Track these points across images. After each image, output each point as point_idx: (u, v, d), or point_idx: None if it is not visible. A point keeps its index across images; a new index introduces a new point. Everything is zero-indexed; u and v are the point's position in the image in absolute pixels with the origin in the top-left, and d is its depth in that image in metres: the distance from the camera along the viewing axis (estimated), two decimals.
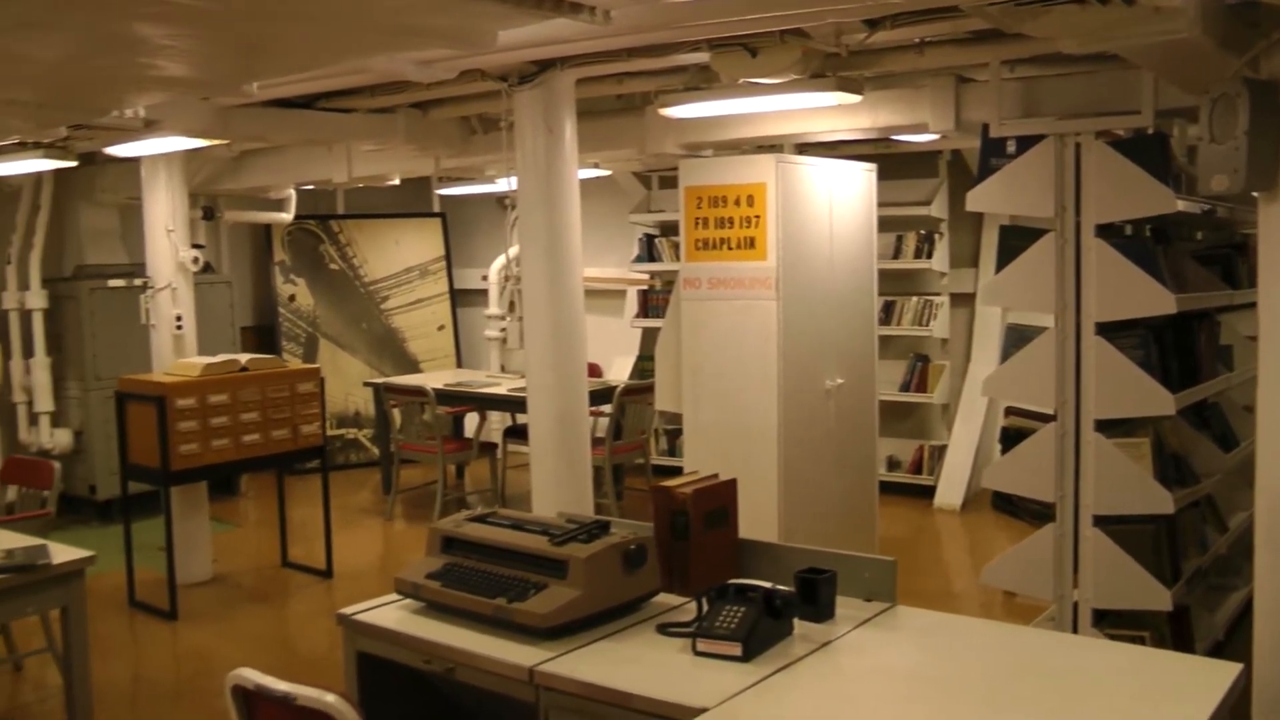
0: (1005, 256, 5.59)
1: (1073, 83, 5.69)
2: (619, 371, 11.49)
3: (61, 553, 5.12)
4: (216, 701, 6.26)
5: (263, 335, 12.35)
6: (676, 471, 4.53)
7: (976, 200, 5.62)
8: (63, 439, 10.38)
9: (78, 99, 3.79)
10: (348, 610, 3.75)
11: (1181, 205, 5.09)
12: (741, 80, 5.68)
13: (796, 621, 3.44)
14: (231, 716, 3.14)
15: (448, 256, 13.21)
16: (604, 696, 3.09)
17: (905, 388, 10.32)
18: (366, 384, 11.30)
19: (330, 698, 2.84)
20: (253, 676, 3.03)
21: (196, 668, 7.00)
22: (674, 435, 11.14)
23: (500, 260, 12.32)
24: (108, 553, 5.37)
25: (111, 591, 7.86)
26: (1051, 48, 5.04)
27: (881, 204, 8.11)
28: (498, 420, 11.56)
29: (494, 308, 12.53)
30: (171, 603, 7.65)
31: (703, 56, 5.67)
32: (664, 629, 3.45)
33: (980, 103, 6.42)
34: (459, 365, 12.95)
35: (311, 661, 6.79)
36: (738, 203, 7.21)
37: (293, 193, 10.92)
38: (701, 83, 6.28)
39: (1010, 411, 8.79)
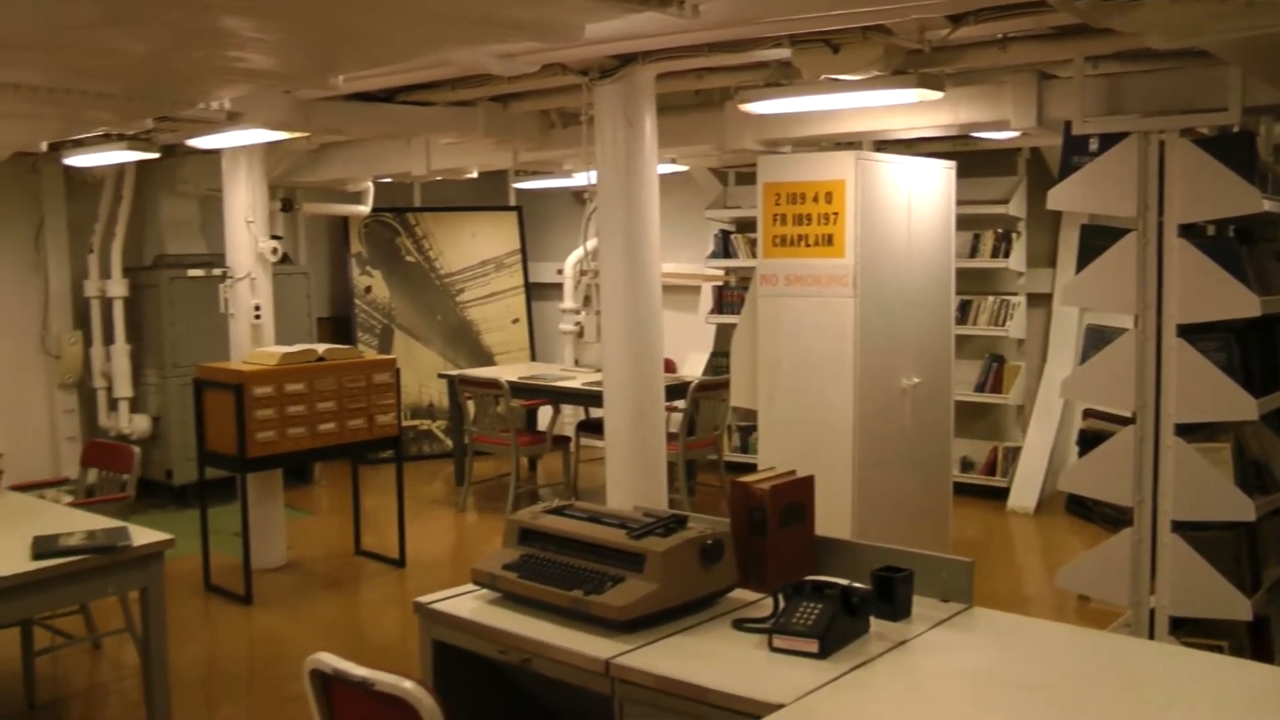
0: (1086, 256, 5.53)
1: (1158, 79, 5.62)
2: (693, 367, 11.47)
3: (141, 535, 5.19)
4: (289, 685, 6.35)
5: (338, 326, 12.45)
6: (749, 468, 4.52)
7: (1058, 199, 5.56)
8: (141, 424, 10.52)
9: (164, 92, 3.84)
10: (425, 599, 3.77)
11: (1268, 205, 5.01)
12: (823, 77, 5.66)
13: (873, 620, 3.43)
14: (309, 700, 3.16)
15: (523, 250, 13.25)
16: (680, 690, 3.09)
17: (980, 388, 10.24)
18: (441, 376, 11.35)
19: (408, 684, 2.86)
20: (331, 661, 3.05)
21: (270, 651, 7.08)
22: (747, 432, 11.12)
23: (575, 254, 12.35)
24: (183, 537, 5.44)
25: (187, 575, 7.96)
26: (1138, 43, 4.98)
27: (959, 202, 8.05)
28: (571, 414, 11.60)
29: (568, 301, 12.57)
30: (247, 587, 7.74)
31: (784, 52, 5.65)
32: (740, 624, 3.44)
33: (1063, 99, 6.35)
34: (533, 358, 12.99)
35: (383, 649, 6.84)
36: (816, 199, 7.19)
37: (370, 185, 11.00)
38: (782, 79, 6.26)
39: (1089, 414, 8.74)
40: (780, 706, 2.90)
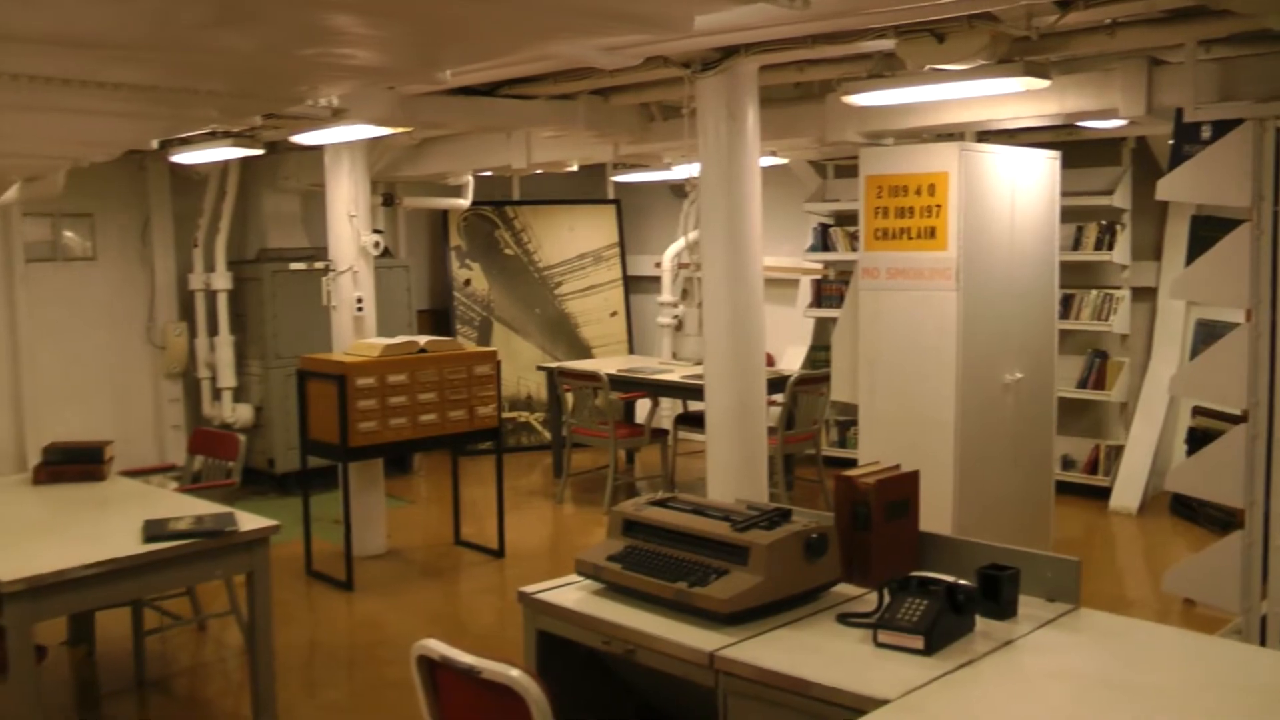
0: (1196, 248, 5.44)
1: (1274, 63, 5.49)
2: (791, 361, 11.43)
3: (247, 521, 5.27)
4: (389, 670, 6.42)
5: (438, 319, 12.55)
6: (846, 463, 4.49)
7: (1167, 189, 5.46)
8: (244, 414, 10.69)
9: (272, 90, 3.87)
10: (529, 589, 3.79)
11: None
12: (927, 67, 5.61)
13: (978, 618, 3.39)
14: (416, 685, 3.19)
15: (621, 243, 13.27)
16: (784, 684, 3.08)
17: (1082, 384, 10.10)
18: (540, 368, 11.40)
19: (515, 672, 2.87)
20: (439, 648, 3.08)
21: (370, 637, 7.15)
22: (845, 426, 11.06)
23: (674, 247, 12.35)
24: (286, 524, 5.52)
25: (290, 561, 8.07)
26: (1255, 25, 4.87)
27: (1062, 193, 7.94)
28: (669, 407, 11.60)
29: (666, 295, 12.57)
30: (348, 574, 7.83)
31: (888, 43, 5.61)
32: (844, 619, 3.43)
33: (1174, 85, 6.22)
34: (631, 351, 13.00)
35: (482, 638, 6.90)
36: (919, 192, 7.13)
37: (470, 179, 11.07)
38: (885, 70, 6.21)
39: (1197, 411, 8.59)
40: (885, 702, 2.88)
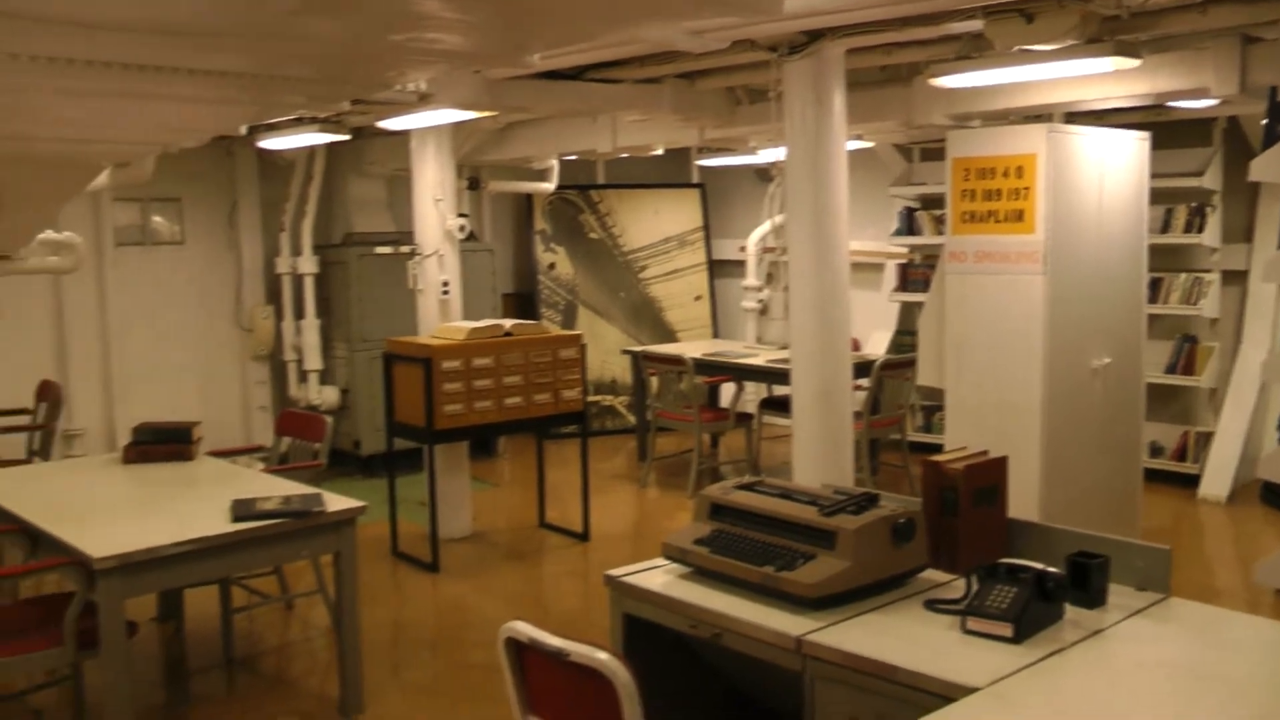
0: None
1: None
2: (876, 346, 11.36)
3: (334, 501, 5.33)
4: (473, 652, 6.47)
5: (523, 302, 12.60)
6: (931, 448, 4.46)
7: (1261, 169, 5.34)
8: (330, 396, 10.79)
9: (360, 75, 3.89)
10: (615, 572, 3.81)
11: None
12: (1016, 48, 5.54)
13: (1067, 606, 3.36)
14: (503, 667, 3.21)
15: (706, 227, 13.25)
16: (871, 669, 3.07)
17: (1171, 369, 9.95)
18: (624, 352, 11.42)
19: (602, 655, 2.88)
20: (526, 630, 3.10)
21: (455, 619, 7.21)
22: (930, 411, 10.99)
23: (759, 231, 12.31)
24: (371, 505, 5.58)
25: (375, 542, 8.14)
26: None
27: (1151, 175, 7.81)
28: (753, 391, 11.58)
29: (751, 279, 12.54)
30: (433, 555, 7.89)
31: (976, 24, 5.55)
32: (932, 605, 3.41)
33: (1268, 63, 6.10)
34: (715, 335, 12.99)
35: (566, 621, 6.92)
36: (1006, 174, 7.06)
37: (555, 163, 11.09)
38: (973, 51, 6.15)
39: None
40: (973, 690, 2.87)
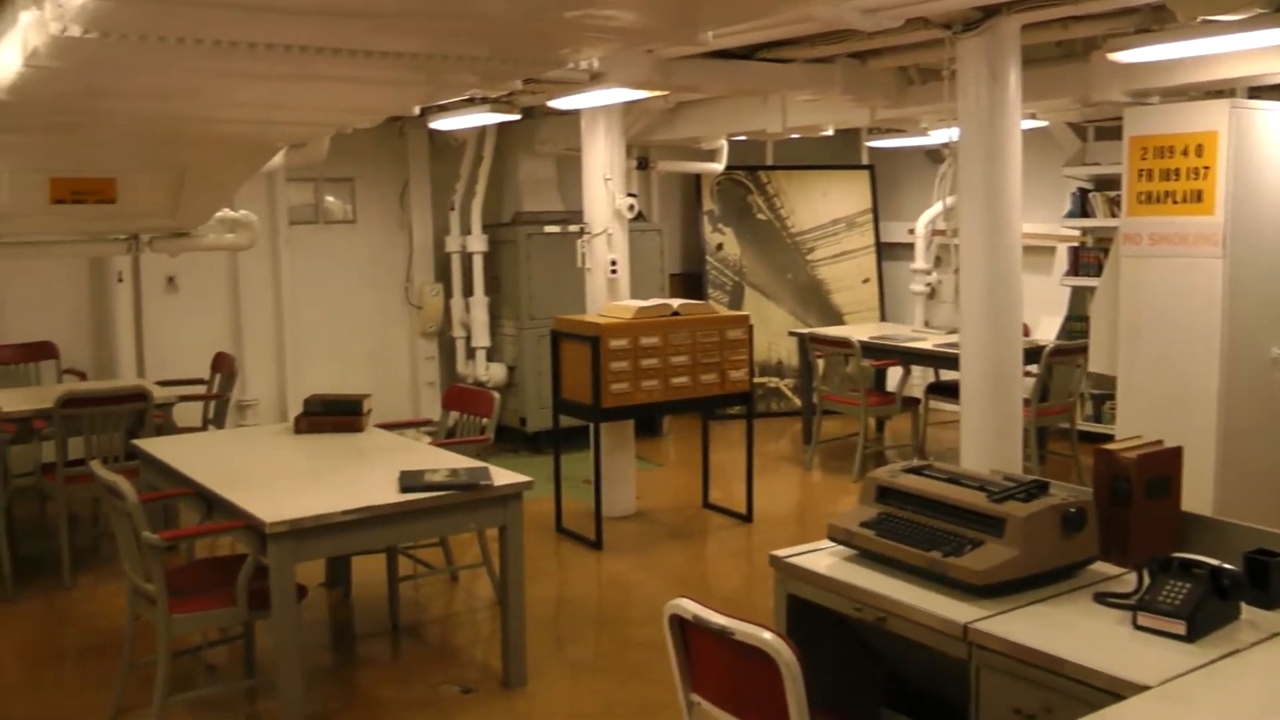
0: None
1: None
2: (1046, 331, 11.15)
3: (501, 476, 5.39)
4: (636, 630, 6.49)
5: (690, 282, 12.60)
6: (1100, 438, 4.35)
7: None
8: (497, 373, 10.92)
9: (533, 53, 3.92)
10: (780, 553, 3.79)
11: None
12: (1199, 19, 5.36)
13: (1243, 606, 3.24)
14: (667, 643, 3.22)
15: (874, 209, 13.12)
16: (1038, 660, 3.01)
17: None
18: (791, 334, 11.37)
19: (767, 635, 2.87)
20: (691, 607, 3.10)
21: (617, 596, 7.25)
22: (1100, 400, 10.75)
23: (928, 213, 12.16)
24: (536, 481, 5.63)
25: (540, 518, 8.22)
26: None
27: None
28: (920, 375, 11.44)
29: (920, 262, 12.39)
30: (597, 533, 7.94)
31: None
32: (1102, 598, 3.33)
33: None
34: (882, 319, 12.86)
35: (729, 601, 6.91)
36: (1185, 153, 6.86)
37: (724, 143, 11.07)
38: (1153, 24, 5.97)
39: None
40: (1144, 688, 2.79)
